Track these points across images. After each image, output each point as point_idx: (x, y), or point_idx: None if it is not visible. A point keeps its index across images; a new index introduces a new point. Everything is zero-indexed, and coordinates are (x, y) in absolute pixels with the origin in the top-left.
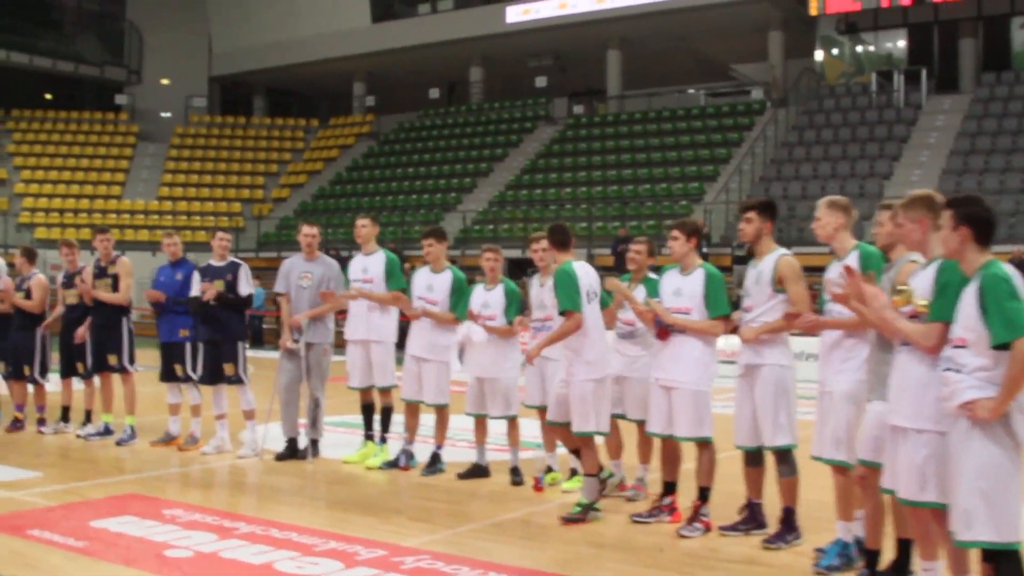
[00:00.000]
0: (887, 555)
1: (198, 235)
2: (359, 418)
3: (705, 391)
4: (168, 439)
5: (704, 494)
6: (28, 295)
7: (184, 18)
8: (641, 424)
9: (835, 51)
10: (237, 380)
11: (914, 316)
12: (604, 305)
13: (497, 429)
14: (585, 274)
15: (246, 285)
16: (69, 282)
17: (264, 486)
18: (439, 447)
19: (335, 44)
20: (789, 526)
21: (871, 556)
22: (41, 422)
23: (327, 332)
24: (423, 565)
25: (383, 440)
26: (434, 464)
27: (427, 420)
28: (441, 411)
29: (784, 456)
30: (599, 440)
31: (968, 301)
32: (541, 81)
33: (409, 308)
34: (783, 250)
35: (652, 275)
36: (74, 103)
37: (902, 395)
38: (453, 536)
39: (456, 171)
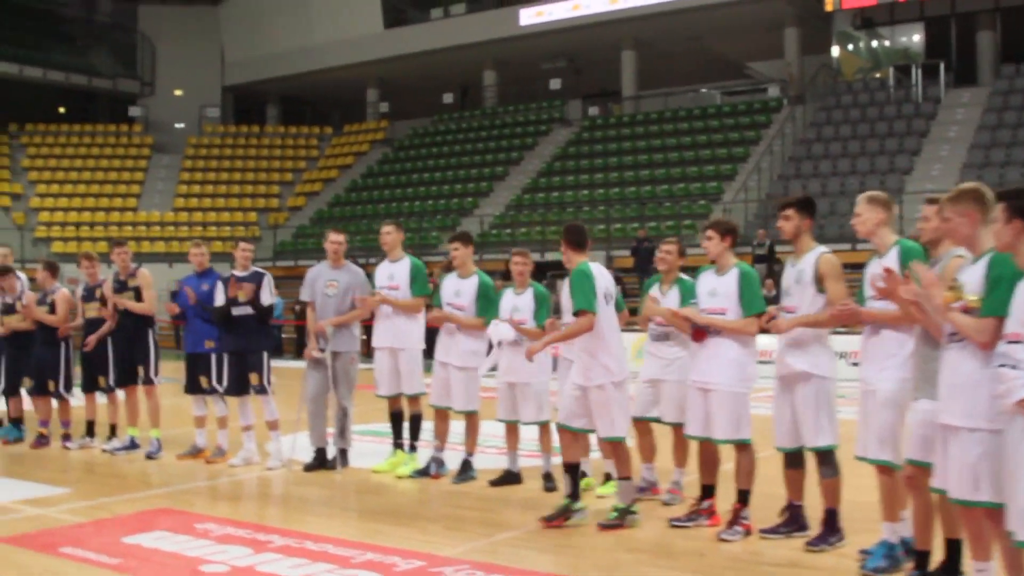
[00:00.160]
0: (935, 555)
1: (215, 245)
2: (388, 426)
3: (743, 392)
4: (195, 452)
5: (744, 497)
6: (52, 309)
7: (196, 29)
8: (676, 427)
9: (851, 47)
10: (262, 390)
11: (965, 312)
12: (619, 308)
13: (529, 435)
14: (601, 275)
15: (268, 295)
16: (90, 295)
17: (294, 497)
18: (470, 454)
19: (348, 51)
20: (832, 528)
21: (921, 557)
22: (66, 437)
23: (354, 340)
24: (463, 575)
25: (413, 448)
26: (465, 472)
27: (457, 427)
28: (471, 418)
29: (826, 457)
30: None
31: (1023, 295)
32: (555, 83)
33: (436, 315)
34: (823, 248)
35: (684, 276)
36: (88, 116)
37: (953, 393)
38: (488, 545)
39: (472, 175)
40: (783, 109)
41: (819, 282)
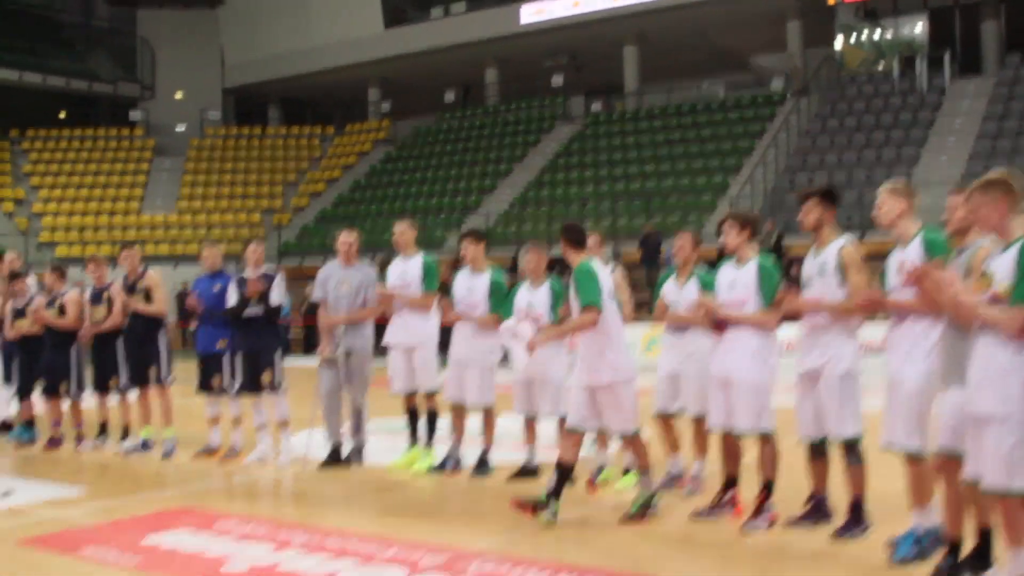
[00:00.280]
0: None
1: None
2: (403, 422)
3: (764, 383)
4: (209, 451)
5: (768, 488)
6: (61, 312)
7: (196, 31)
8: (697, 419)
9: (855, 38)
10: (274, 389)
11: (995, 301)
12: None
13: (546, 429)
14: (602, 273)
15: (278, 296)
16: (98, 298)
17: (311, 495)
18: (487, 449)
19: (348, 51)
20: (857, 518)
21: (952, 546)
22: (79, 439)
23: (367, 338)
24: (489, 569)
25: (429, 444)
26: (482, 467)
27: (474, 423)
28: (487, 413)
29: (851, 447)
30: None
31: None
32: (557, 80)
33: (448, 311)
34: (846, 238)
35: (701, 269)
36: (89, 121)
37: (985, 382)
38: (510, 540)
39: (476, 173)
40: (787, 102)
41: (842, 272)
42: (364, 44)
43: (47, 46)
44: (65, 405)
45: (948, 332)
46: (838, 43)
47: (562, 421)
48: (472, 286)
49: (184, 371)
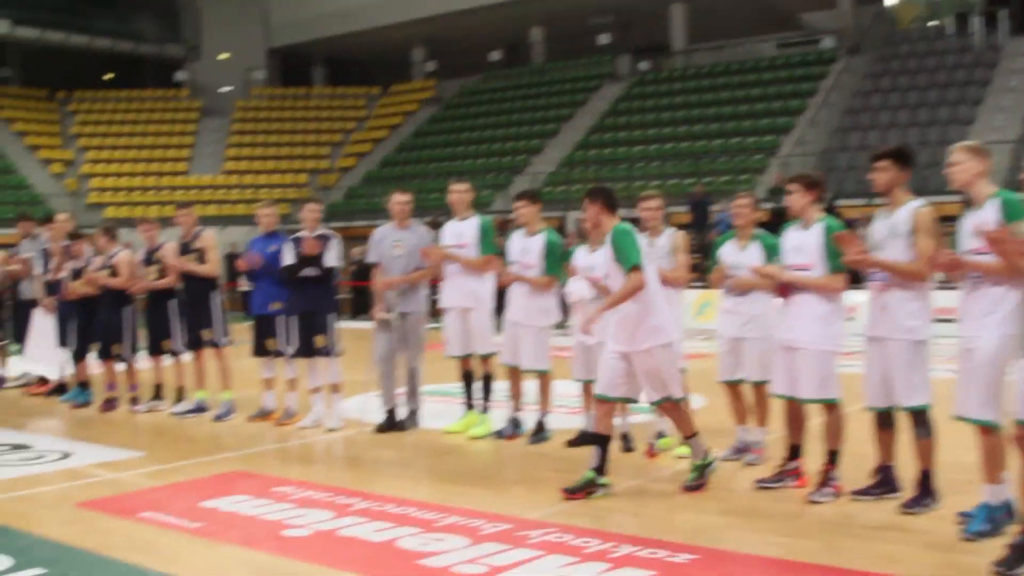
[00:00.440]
0: None
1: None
2: (457, 386)
3: (830, 351)
4: (264, 414)
5: (833, 457)
6: (113, 274)
7: None
8: (758, 386)
9: None
10: (327, 352)
11: None
12: None
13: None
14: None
15: (333, 257)
16: (149, 259)
17: (368, 459)
18: (544, 414)
19: (393, 10)
20: (927, 490)
21: None
22: (134, 401)
23: (422, 301)
24: (551, 539)
25: (485, 409)
26: (539, 432)
27: (531, 387)
28: (543, 377)
29: (920, 417)
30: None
31: None
32: (603, 39)
33: (503, 273)
34: (921, 200)
35: (762, 231)
36: (135, 82)
37: None
38: (569, 509)
39: (523, 133)
40: (839, 60)
41: (915, 235)
42: (409, 3)
43: (93, 7)
44: (119, 367)
45: None
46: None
47: None
48: (527, 247)
49: (237, 333)
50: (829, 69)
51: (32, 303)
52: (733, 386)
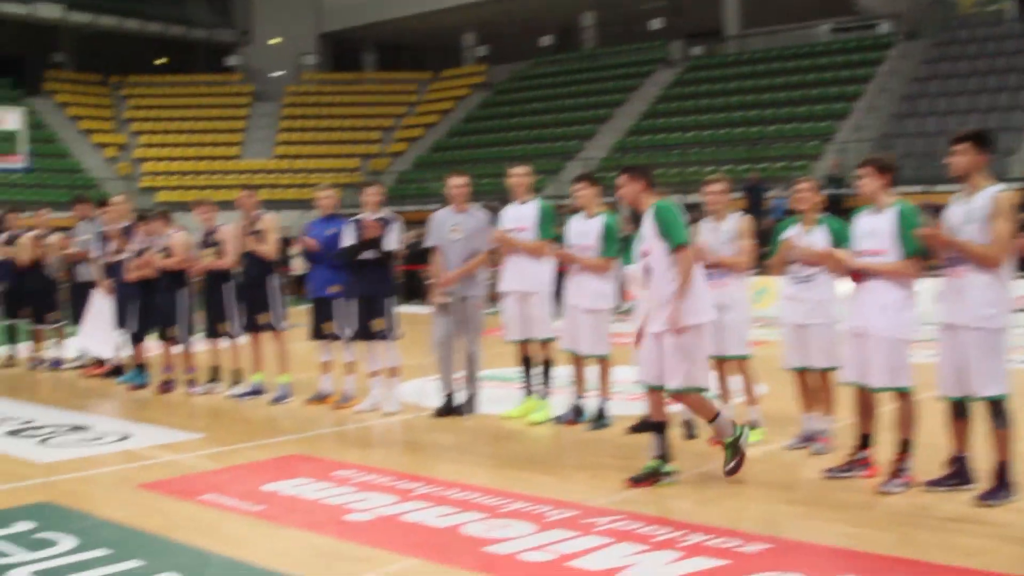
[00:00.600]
0: None
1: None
2: (515, 371)
3: (902, 338)
4: (321, 398)
5: (905, 447)
6: (168, 256)
7: None
8: (824, 373)
9: None
10: (386, 336)
11: None
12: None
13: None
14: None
15: (393, 241)
16: (206, 242)
17: (426, 444)
18: (604, 400)
19: None
20: (1004, 482)
21: None
22: (190, 383)
23: (481, 285)
24: (619, 526)
25: (544, 395)
26: (600, 419)
27: (592, 373)
28: (602, 362)
29: (997, 407)
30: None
31: None
32: (655, 23)
33: (560, 256)
34: (1000, 185)
35: (827, 215)
36: (187, 66)
37: None
38: (634, 496)
39: (575, 118)
40: (896, 46)
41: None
42: None
43: None
44: (176, 350)
45: None
46: None
47: None
48: (585, 230)
49: (293, 317)
50: (886, 54)
51: (89, 285)
52: (800, 373)
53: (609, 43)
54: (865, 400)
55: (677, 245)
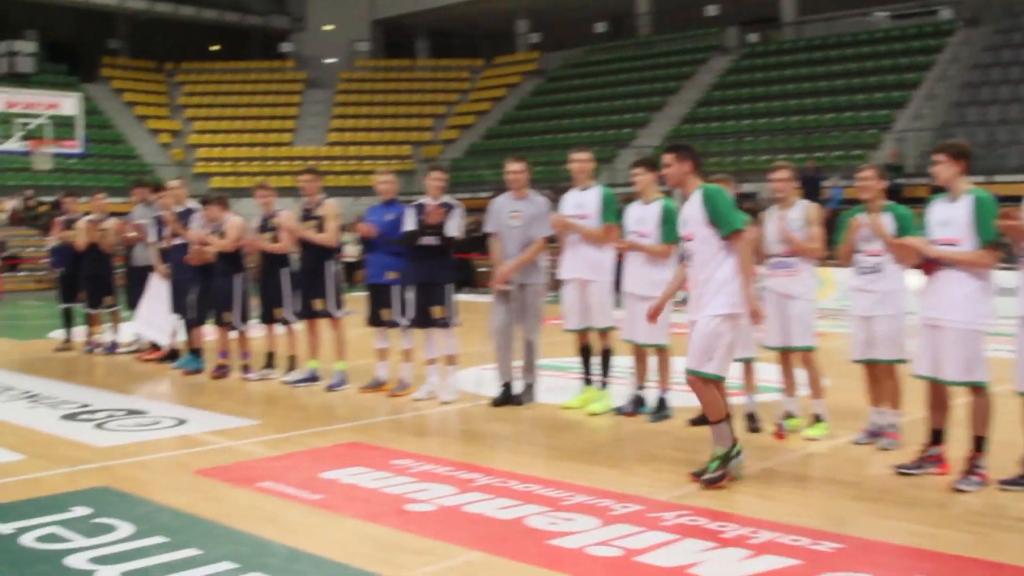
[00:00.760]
0: None
1: (369, 179)
2: (574, 361)
3: (977, 331)
4: (377, 385)
5: (980, 444)
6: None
7: None
8: (891, 366)
9: None
10: (445, 323)
11: None
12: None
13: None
14: None
15: (454, 227)
16: (265, 226)
17: (484, 433)
18: (664, 391)
19: None
20: None
21: None
22: (245, 369)
23: (540, 272)
24: (686, 521)
25: (604, 385)
26: (661, 410)
27: (653, 363)
28: (661, 353)
29: None
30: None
31: None
32: (711, 10)
33: (619, 239)
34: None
35: (894, 203)
36: (241, 53)
37: None
38: (696, 491)
39: (628, 106)
40: (957, 32)
41: None
42: None
43: None
44: (232, 335)
45: None
46: None
47: (748, 364)
48: (643, 216)
49: (350, 303)
50: (946, 41)
51: (145, 269)
52: (867, 366)
53: (664, 30)
54: (938, 394)
55: (733, 231)
